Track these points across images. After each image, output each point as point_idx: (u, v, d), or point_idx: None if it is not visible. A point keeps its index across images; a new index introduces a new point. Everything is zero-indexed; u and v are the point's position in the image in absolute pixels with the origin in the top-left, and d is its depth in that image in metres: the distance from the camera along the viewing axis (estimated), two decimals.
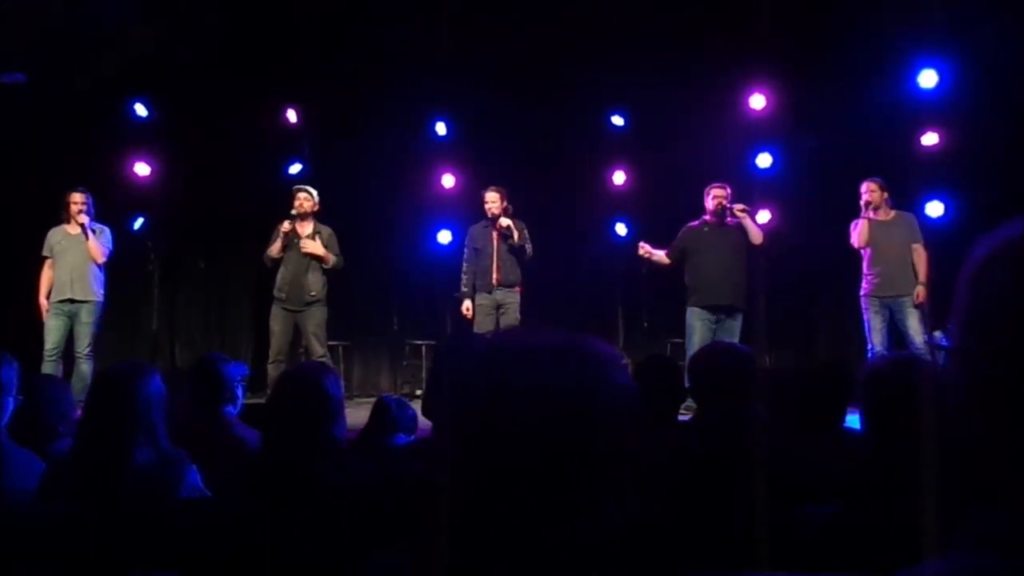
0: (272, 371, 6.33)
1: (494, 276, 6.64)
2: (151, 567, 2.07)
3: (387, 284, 8.30)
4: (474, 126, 7.94)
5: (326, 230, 6.62)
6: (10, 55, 6.99)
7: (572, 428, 0.82)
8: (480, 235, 6.76)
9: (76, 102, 7.39)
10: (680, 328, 6.62)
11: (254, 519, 2.15)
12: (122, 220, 7.12)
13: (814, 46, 7.28)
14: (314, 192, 6.63)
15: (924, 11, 6.36)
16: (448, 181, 7.91)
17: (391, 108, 7.85)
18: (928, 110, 7.12)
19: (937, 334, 5.94)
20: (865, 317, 6.31)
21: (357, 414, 4.25)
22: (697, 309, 6.36)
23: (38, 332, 6.25)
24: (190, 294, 8.48)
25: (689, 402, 3.49)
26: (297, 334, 6.55)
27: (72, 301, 6.25)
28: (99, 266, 6.34)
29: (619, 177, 7.90)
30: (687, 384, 3.11)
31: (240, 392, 3.39)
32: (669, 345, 7.37)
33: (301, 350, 6.65)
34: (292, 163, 7.80)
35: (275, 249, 6.52)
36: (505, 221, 6.60)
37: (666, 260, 6.49)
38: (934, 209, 6.85)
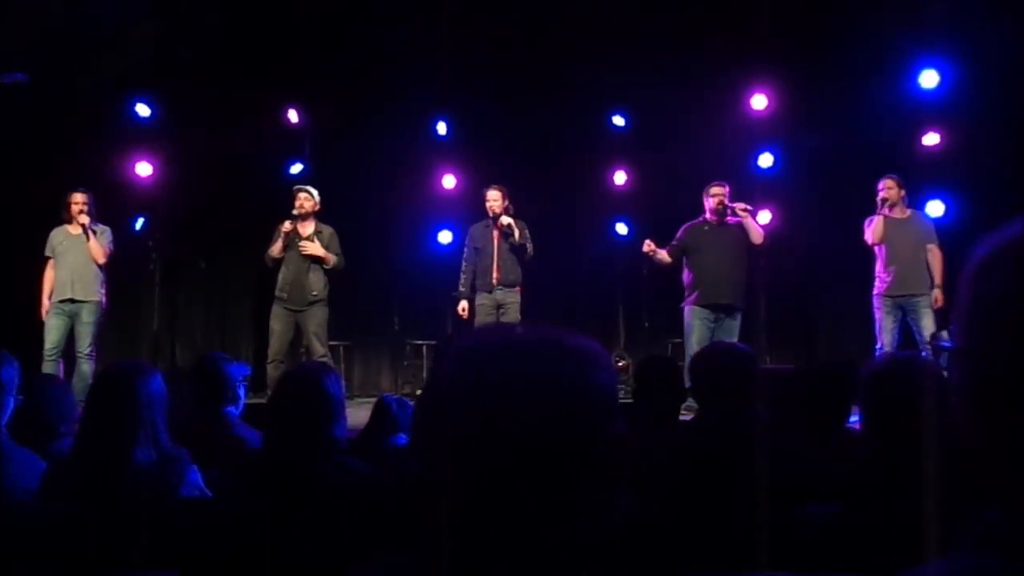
0: (272, 371, 6.34)
1: (494, 276, 6.64)
2: (151, 567, 2.07)
3: (388, 284, 8.29)
4: (475, 126, 7.94)
5: (327, 230, 6.62)
6: (11, 55, 6.99)
7: (554, 425, 0.80)
8: (481, 234, 6.76)
9: (77, 102, 7.39)
10: (681, 328, 6.62)
11: (254, 519, 2.15)
12: (123, 220, 7.12)
13: (815, 46, 7.28)
14: (315, 192, 6.63)
15: (925, 11, 6.36)
16: (449, 181, 7.91)
17: (392, 108, 7.85)
18: (929, 110, 7.12)
19: (943, 334, 5.91)
20: (876, 316, 6.25)
21: (357, 414, 4.25)
22: (696, 308, 6.36)
23: (38, 332, 6.26)
24: (191, 294, 8.48)
25: (690, 402, 3.49)
26: (298, 334, 6.55)
27: (73, 301, 6.25)
28: (100, 266, 6.34)
29: (620, 177, 7.90)
30: (688, 384, 3.11)
31: (242, 392, 3.39)
32: (670, 345, 7.37)
33: (302, 350, 6.66)
34: (293, 163, 7.80)
35: (276, 249, 6.53)
36: (506, 220, 6.60)
37: (668, 259, 6.49)
38: (935, 209, 6.85)
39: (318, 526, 2.07)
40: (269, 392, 5.24)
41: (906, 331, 6.23)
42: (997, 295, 0.65)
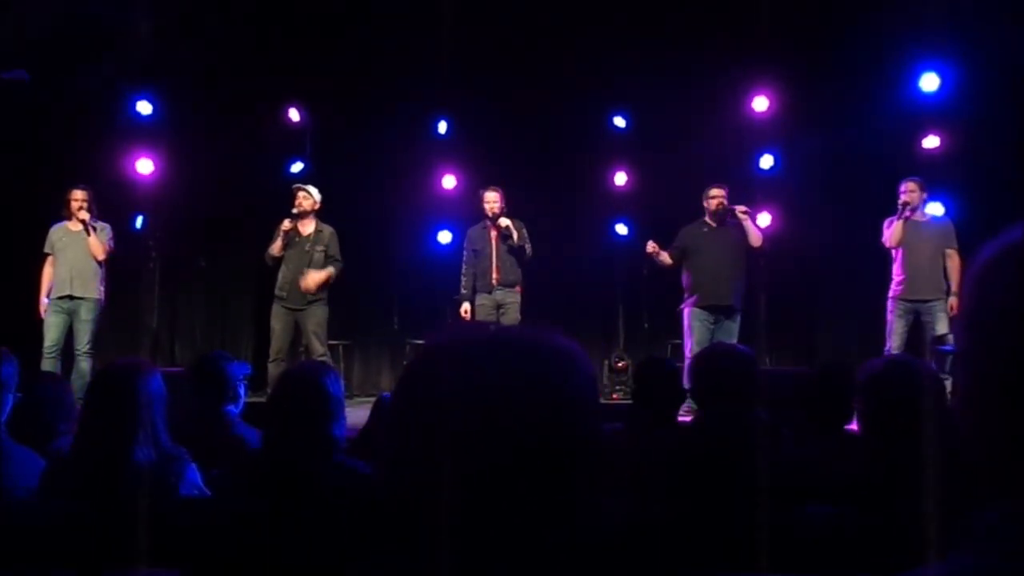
0: (272, 370, 6.34)
1: (494, 276, 6.64)
2: (151, 566, 2.07)
3: (388, 283, 8.29)
4: (475, 126, 7.94)
5: (327, 229, 6.62)
6: (13, 53, 7.00)
7: (535, 424, 0.79)
8: (478, 236, 6.76)
9: (78, 100, 7.39)
10: (680, 329, 6.62)
11: (254, 519, 2.15)
12: (123, 218, 7.12)
13: (815, 48, 7.29)
14: (313, 190, 6.63)
15: (925, 14, 6.36)
16: (449, 182, 7.91)
17: (392, 108, 7.85)
18: (929, 113, 7.12)
19: (948, 337, 5.88)
20: (888, 319, 6.20)
21: (357, 414, 4.25)
22: (696, 309, 6.36)
23: (37, 329, 6.26)
24: (191, 293, 8.48)
25: (689, 402, 3.49)
26: (298, 333, 6.55)
27: (72, 298, 6.25)
28: (100, 263, 6.34)
29: (620, 177, 7.90)
30: (687, 385, 3.11)
31: (242, 391, 3.39)
32: (669, 346, 7.37)
33: (301, 349, 6.65)
34: (294, 162, 7.80)
35: (276, 248, 6.53)
36: (505, 221, 6.61)
37: (669, 261, 6.49)
38: (935, 212, 6.84)
39: (318, 526, 2.07)
40: (269, 391, 5.24)
41: (912, 336, 6.16)
42: (1000, 298, 0.66)
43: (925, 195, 6.21)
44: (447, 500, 0.80)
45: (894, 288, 6.21)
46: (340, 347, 7.69)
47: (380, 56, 7.63)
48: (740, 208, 6.42)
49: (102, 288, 6.38)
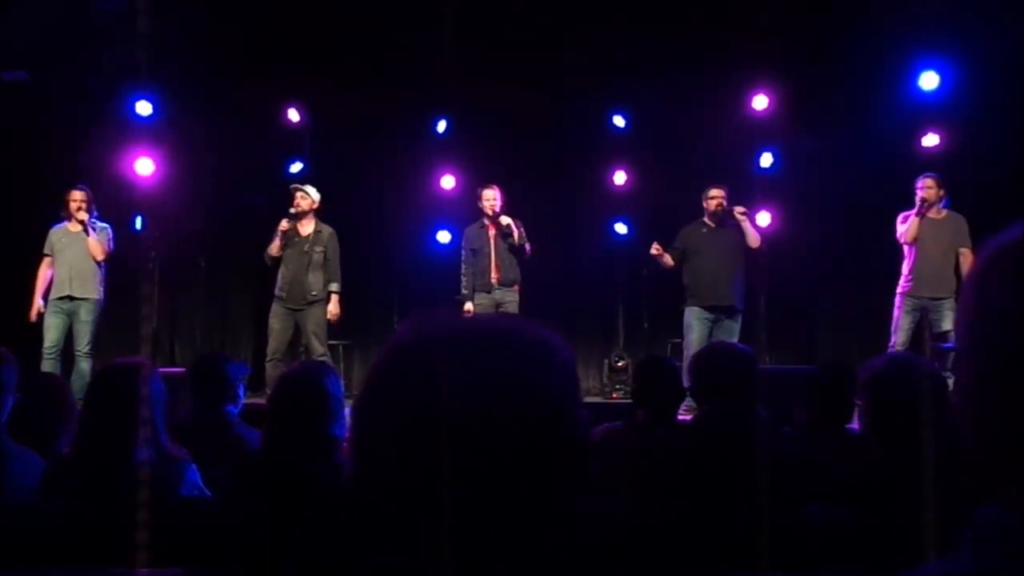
0: (270, 370, 6.34)
1: (493, 276, 6.64)
2: (150, 566, 2.07)
3: (387, 283, 8.29)
4: (474, 126, 7.94)
5: (327, 229, 6.62)
6: (12, 53, 6.99)
7: (506, 420, 0.77)
8: (476, 236, 6.75)
9: (77, 100, 7.38)
10: (680, 328, 6.63)
11: (254, 519, 2.15)
12: (123, 218, 7.12)
13: (815, 47, 7.28)
14: (311, 190, 6.63)
15: (925, 13, 6.36)
16: (448, 182, 7.90)
17: (391, 108, 7.85)
18: (929, 111, 7.11)
19: (950, 334, 5.88)
20: (895, 314, 6.17)
21: None
22: (696, 309, 6.36)
23: (37, 330, 6.25)
24: (190, 293, 8.48)
25: (689, 401, 3.49)
26: (297, 333, 6.55)
27: (71, 298, 6.25)
28: (99, 264, 6.34)
29: (620, 177, 7.89)
30: (686, 384, 3.11)
31: (241, 391, 3.39)
32: (669, 345, 7.37)
33: (301, 349, 6.65)
34: (293, 162, 7.79)
35: (274, 248, 6.53)
36: (506, 219, 6.61)
37: (671, 262, 6.49)
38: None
39: (318, 526, 2.07)
40: (268, 391, 5.24)
41: (915, 332, 6.14)
42: (999, 298, 0.66)
43: (942, 192, 6.17)
44: (417, 500, 0.79)
45: (903, 284, 6.18)
46: (340, 347, 7.68)
47: (380, 56, 7.63)
48: (738, 209, 6.43)
49: (102, 289, 6.38)
